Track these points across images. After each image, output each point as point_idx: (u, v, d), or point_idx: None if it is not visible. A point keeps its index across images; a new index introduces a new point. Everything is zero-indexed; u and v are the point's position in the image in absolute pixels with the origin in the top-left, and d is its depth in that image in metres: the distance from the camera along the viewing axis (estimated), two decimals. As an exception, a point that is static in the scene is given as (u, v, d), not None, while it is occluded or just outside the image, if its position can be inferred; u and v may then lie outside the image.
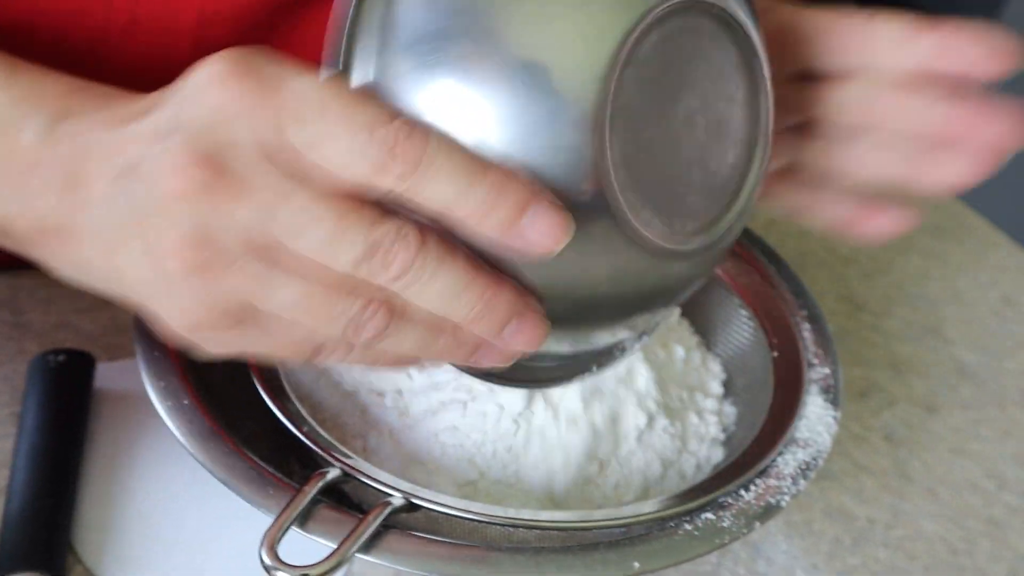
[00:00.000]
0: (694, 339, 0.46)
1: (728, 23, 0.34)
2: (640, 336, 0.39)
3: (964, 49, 0.38)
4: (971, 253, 0.65)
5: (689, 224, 0.34)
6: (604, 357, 0.39)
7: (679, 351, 0.44)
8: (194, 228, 0.30)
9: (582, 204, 0.32)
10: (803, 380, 0.42)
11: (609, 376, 0.41)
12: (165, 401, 0.37)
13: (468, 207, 0.30)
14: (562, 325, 0.34)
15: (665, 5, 0.32)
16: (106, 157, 0.32)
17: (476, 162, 0.31)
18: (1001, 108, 0.38)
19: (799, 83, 0.40)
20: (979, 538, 0.48)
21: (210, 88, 0.31)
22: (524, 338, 0.32)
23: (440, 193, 0.30)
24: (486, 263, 0.32)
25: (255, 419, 0.41)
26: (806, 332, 0.44)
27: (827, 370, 0.43)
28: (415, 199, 0.30)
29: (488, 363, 0.34)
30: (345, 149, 0.30)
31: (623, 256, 0.33)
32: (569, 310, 0.34)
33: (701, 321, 0.47)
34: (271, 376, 0.40)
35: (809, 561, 0.45)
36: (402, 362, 0.35)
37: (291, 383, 0.40)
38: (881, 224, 0.41)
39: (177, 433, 0.36)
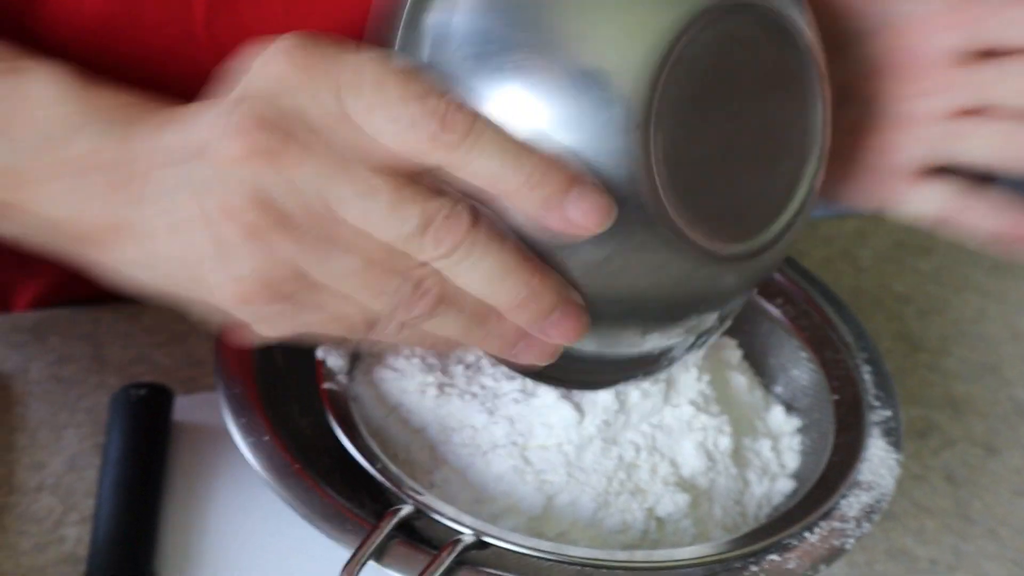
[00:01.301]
0: (755, 380, 0.46)
1: (783, 28, 0.34)
2: (689, 347, 0.39)
3: None
4: (1029, 292, 0.65)
5: (733, 229, 0.34)
6: (650, 364, 0.39)
7: (743, 387, 0.45)
8: (255, 191, 0.31)
9: (625, 201, 0.32)
10: (865, 423, 0.42)
11: (673, 411, 0.42)
12: (247, 437, 0.39)
13: (514, 182, 0.31)
14: (603, 324, 0.35)
15: (716, 6, 0.32)
16: (149, 155, 0.34)
17: (518, 145, 0.32)
18: None
19: (969, 62, 0.38)
20: (1041, 581, 0.47)
21: (274, 60, 0.32)
22: (565, 330, 0.33)
23: (487, 167, 0.31)
24: (534, 254, 0.33)
25: (328, 454, 0.42)
26: (866, 374, 0.45)
27: (888, 412, 0.43)
28: (463, 171, 0.31)
29: (528, 357, 0.34)
30: (398, 118, 0.31)
31: (664, 256, 0.34)
32: (610, 309, 0.35)
33: (762, 364, 0.47)
34: (344, 412, 0.41)
35: (870, 602, 0.45)
36: (447, 345, 0.35)
37: (363, 418, 0.42)
38: None
39: (260, 469, 0.38)
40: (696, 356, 0.41)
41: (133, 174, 0.34)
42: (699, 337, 0.40)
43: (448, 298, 0.33)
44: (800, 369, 0.46)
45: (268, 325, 0.34)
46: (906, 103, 0.41)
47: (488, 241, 0.32)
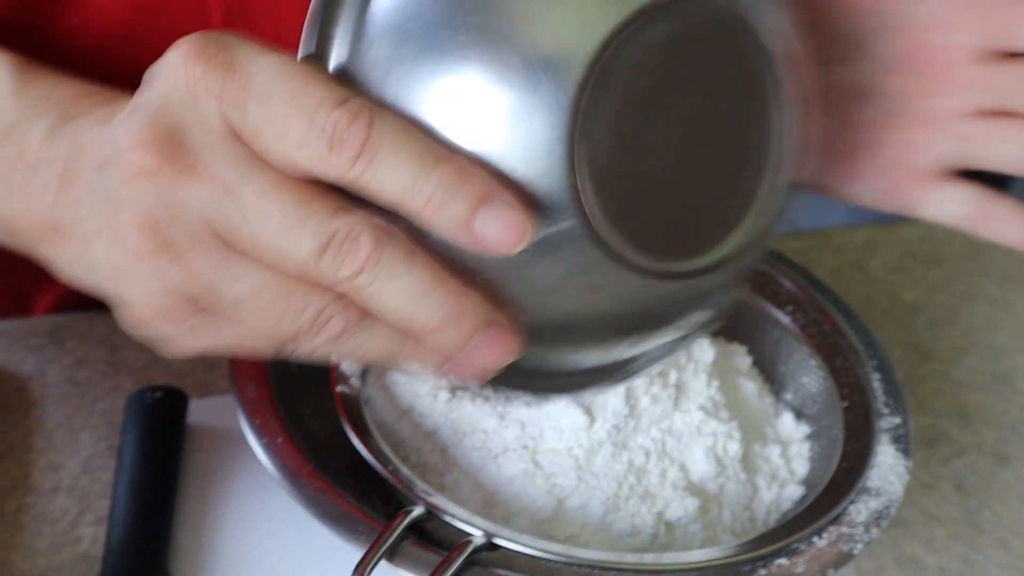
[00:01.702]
0: (765, 387, 0.47)
1: (740, 27, 0.31)
2: (658, 356, 0.38)
3: None
4: (1040, 302, 0.65)
5: (681, 245, 0.32)
6: (614, 372, 0.38)
7: (753, 394, 0.45)
8: (151, 208, 0.30)
9: (553, 216, 0.29)
10: (874, 429, 0.42)
11: (683, 416, 0.42)
12: (260, 439, 0.39)
13: (420, 199, 0.29)
14: (547, 342, 0.33)
15: (663, 1, 0.29)
16: (91, 152, 0.32)
17: (430, 152, 0.29)
18: None
19: (991, 62, 0.37)
20: (1052, 590, 0.47)
21: (174, 67, 0.30)
22: (492, 352, 0.31)
23: (391, 183, 0.29)
24: (458, 270, 0.30)
25: (340, 456, 0.43)
26: (876, 382, 0.45)
27: (898, 419, 0.43)
28: (364, 190, 0.29)
29: (458, 377, 0.32)
30: (283, 136, 0.29)
31: (605, 275, 0.31)
32: (552, 328, 0.32)
33: (772, 371, 0.47)
34: (357, 415, 0.41)
35: (879, 609, 0.45)
36: (377, 361, 0.33)
37: (375, 421, 0.42)
38: None
39: (273, 471, 0.38)
40: (670, 361, 0.39)
41: (72, 175, 0.33)
42: (667, 345, 0.38)
43: (368, 316, 0.31)
44: (810, 376, 0.47)
45: (182, 338, 0.32)
46: (925, 101, 0.40)
47: (398, 260, 0.29)
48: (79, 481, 0.46)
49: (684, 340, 0.39)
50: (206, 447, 0.48)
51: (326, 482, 0.38)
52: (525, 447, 0.41)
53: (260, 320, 0.31)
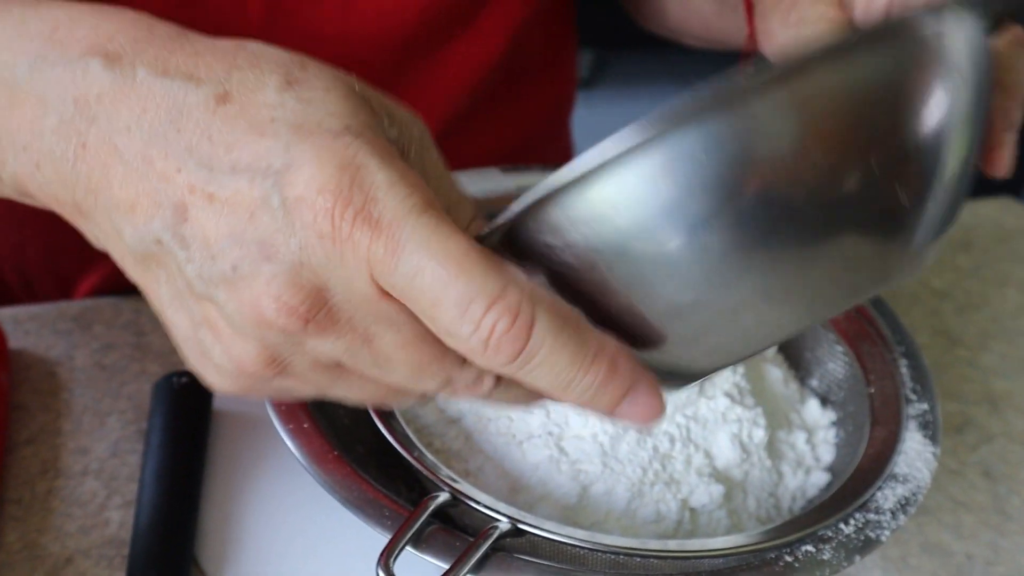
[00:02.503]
0: (790, 373, 0.46)
1: None
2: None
3: None
4: (1070, 287, 0.64)
5: None
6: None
7: (779, 380, 0.45)
8: (277, 347, 0.29)
9: None
10: (902, 415, 0.42)
11: (708, 403, 0.42)
12: (287, 424, 0.40)
13: (571, 395, 0.29)
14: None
15: None
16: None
17: (586, 351, 0.28)
18: None
19: None
20: (1081, 578, 0.47)
21: (311, 209, 0.27)
22: (637, 415, 0.30)
23: (544, 381, 0.29)
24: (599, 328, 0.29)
25: (364, 442, 0.43)
26: (903, 368, 0.44)
27: (925, 406, 0.43)
28: (519, 379, 0.29)
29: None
30: (441, 318, 0.27)
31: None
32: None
33: (797, 357, 0.47)
34: (381, 401, 0.41)
35: (905, 596, 0.45)
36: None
37: (399, 408, 0.42)
38: None
39: (299, 456, 0.39)
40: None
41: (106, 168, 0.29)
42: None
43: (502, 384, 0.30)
44: (836, 362, 0.46)
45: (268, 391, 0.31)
46: None
47: (539, 364, 0.28)
48: (107, 464, 0.47)
49: None
50: (232, 432, 0.48)
51: (352, 468, 0.38)
52: (550, 433, 0.41)
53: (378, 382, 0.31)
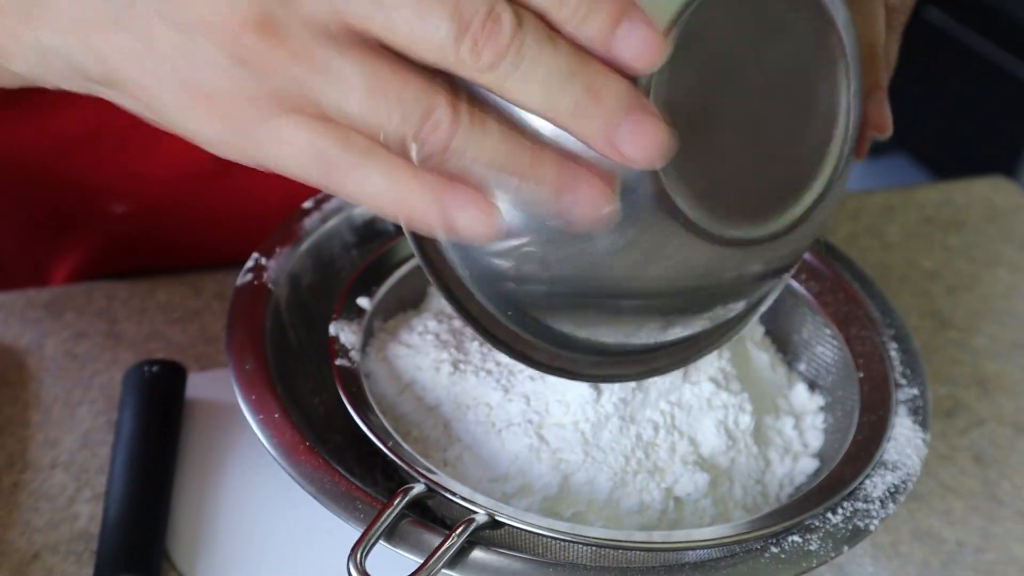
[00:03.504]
0: (778, 357, 0.45)
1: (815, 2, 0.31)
2: (716, 339, 0.38)
3: None
4: (1062, 267, 0.64)
5: (749, 211, 0.32)
6: (674, 356, 0.38)
7: (766, 364, 0.44)
8: (268, 5, 0.27)
9: (631, 185, 0.30)
10: (891, 401, 0.41)
11: (692, 388, 0.41)
12: (257, 415, 0.38)
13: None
14: (623, 315, 0.34)
15: None
16: None
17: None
18: None
19: None
20: (1073, 564, 0.46)
21: None
22: (639, 145, 0.27)
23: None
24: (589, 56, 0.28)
25: (339, 432, 0.42)
26: (893, 352, 0.43)
27: (915, 391, 0.42)
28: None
29: (578, 211, 0.29)
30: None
31: (676, 242, 0.31)
32: (629, 298, 0.33)
33: (785, 341, 0.46)
34: (357, 389, 0.40)
35: (895, 584, 0.44)
36: (484, 177, 0.29)
37: (375, 396, 0.41)
38: None
39: (269, 447, 0.37)
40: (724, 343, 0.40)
41: None
42: (725, 328, 0.38)
43: (481, 123, 0.28)
44: (824, 346, 0.45)
45: (258, 147, 0.29)
46: None
47: (539, 44, 0.27)
48: (77, 457, 0.45)
49: (745, 321, 0.39)
50: (206, 421, 0.47)
51: (324, 459, 0.37)
52: (530, 421, 0.39)
53: (367, 113, 0.28)
